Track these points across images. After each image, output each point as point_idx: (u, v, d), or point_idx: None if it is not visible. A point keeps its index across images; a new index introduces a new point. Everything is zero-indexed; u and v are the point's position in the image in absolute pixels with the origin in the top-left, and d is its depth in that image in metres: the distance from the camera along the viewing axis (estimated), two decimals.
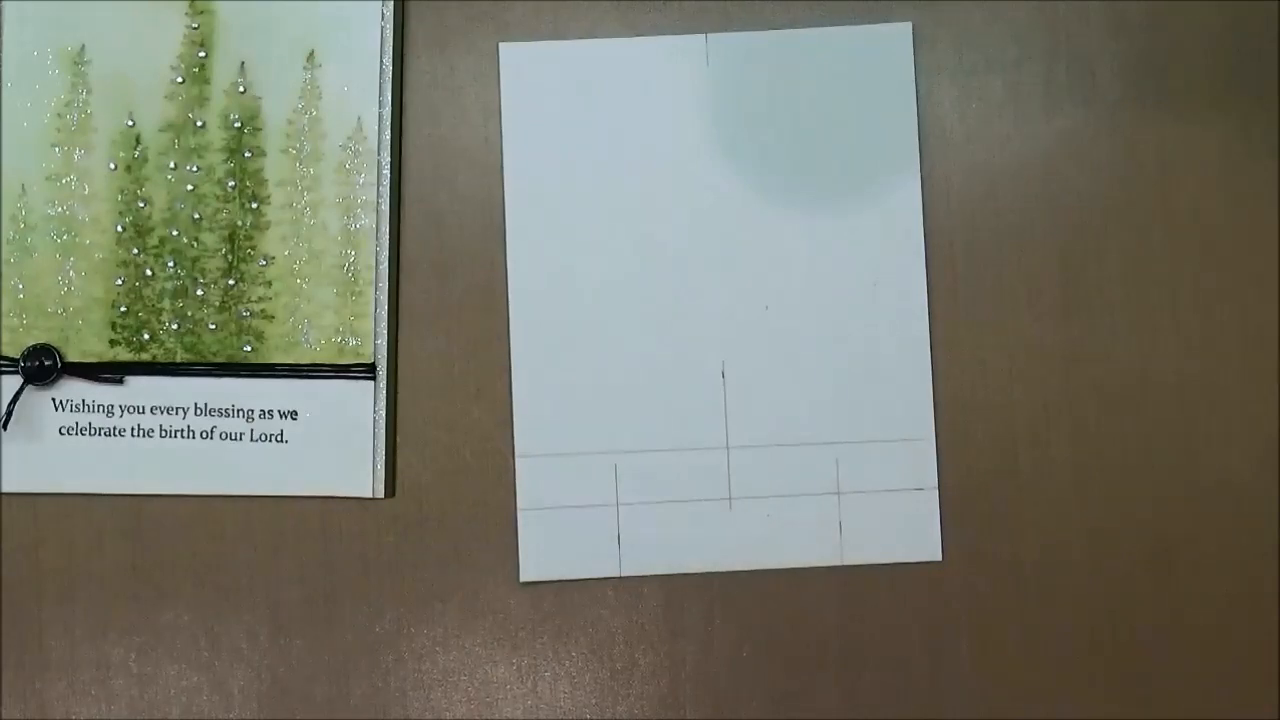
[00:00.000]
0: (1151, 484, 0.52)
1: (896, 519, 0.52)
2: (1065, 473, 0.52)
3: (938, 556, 0.52)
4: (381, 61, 0.53)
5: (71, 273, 0.53)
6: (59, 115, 0.53)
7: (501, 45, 0.53)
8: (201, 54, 0.53)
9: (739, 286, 0.53)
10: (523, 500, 0.52)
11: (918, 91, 0.53)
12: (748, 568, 0.52)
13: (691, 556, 0.52)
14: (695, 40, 0.53)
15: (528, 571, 0.52)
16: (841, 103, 0.52)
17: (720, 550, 0.52)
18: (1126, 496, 0.52)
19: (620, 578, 0.52)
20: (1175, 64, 0.52)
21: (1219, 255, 0.52)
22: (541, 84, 0.53)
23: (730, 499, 0.52)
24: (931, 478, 0.52)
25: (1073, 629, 0.52)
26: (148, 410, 0.52)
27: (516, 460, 0.52)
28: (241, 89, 0.53)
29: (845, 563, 0.52)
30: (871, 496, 0.52)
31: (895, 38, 0.52)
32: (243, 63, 0.53)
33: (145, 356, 0.53)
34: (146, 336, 0.53)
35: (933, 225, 0.53)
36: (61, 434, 0.52)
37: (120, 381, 0.53)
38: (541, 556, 0.52)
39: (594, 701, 0.52)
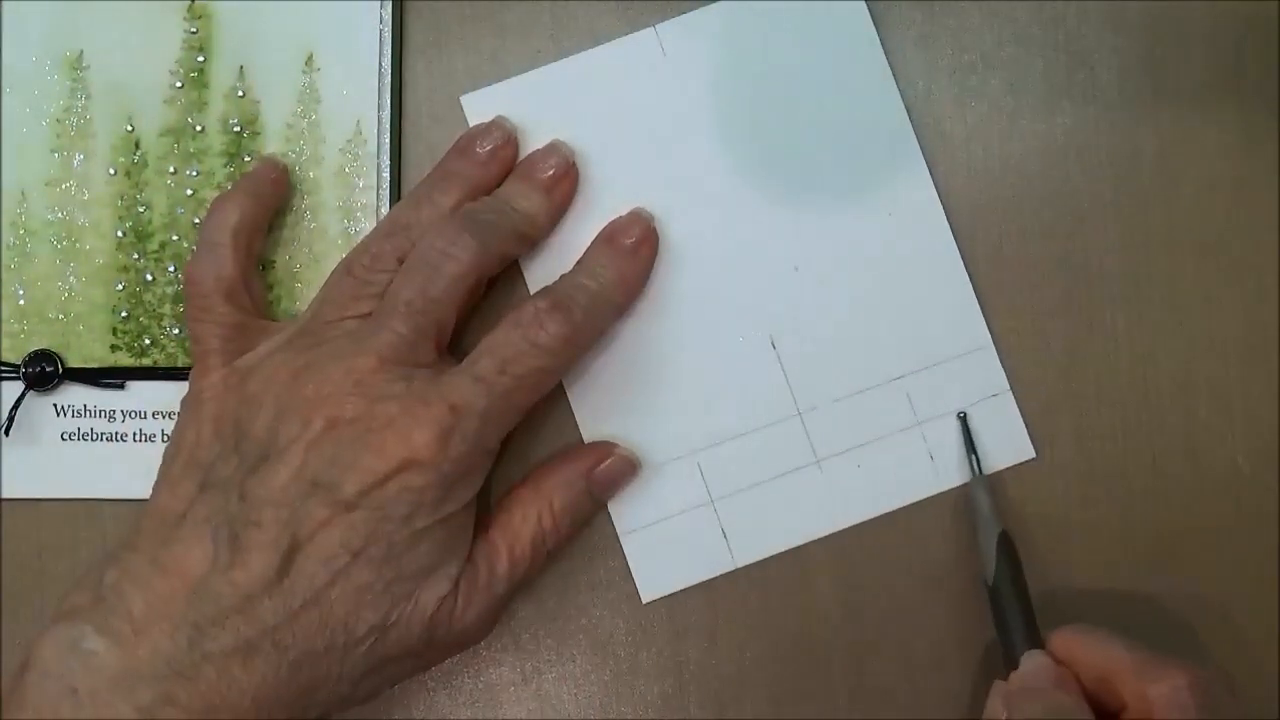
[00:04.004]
0: (1152, 483, 0.52)
1: (982, 431, 0.52)
2: (1065, 471, 0.52)
3: (1032, 454, 0.52)
4: (380, 64, 0.53)
5: (72, 278, 0.52)
6: (58, 121, 0.53)
7: (463, 97, 0.53)
8: (200, 58, 0.53)
9: (762, 259, 0.52)
10: (620, 524, 0.52)
11: (917, 90, 0.52)
12: (853, 522, 0.52)
13: (797, 527, 0.52)
14: (646, 35, 0.53)
15: (647, 592, 0.53)
16: (807, 64, 0.52)
17: (822, 513, 0.52)
18: (1126, 495, 0.52)
19: (733, 571, 0.52)
20: (1175, 63, 0.52)
21: (1219, 255, 0.52)
22: (515, 119, 0.52)
23: (818, 461, 0.52)
24: (1002, 380, 0.52)
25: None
26: (149, 415, 0.52)
27: None
28: (240, 93, 0.53)
29: (943, 489, 0.52)
30: (951, 418, 0.52)
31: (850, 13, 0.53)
32: (241, 67, 0.53)
33: (146, 361, 0.53)
34: (148, 341, 0.53)
35: None
36: (63, 439, 0.52)
37: (122, 386, 0.52)
38: (656, 573, 0.52)
39: (597, 703, 0.53)
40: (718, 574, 0.52)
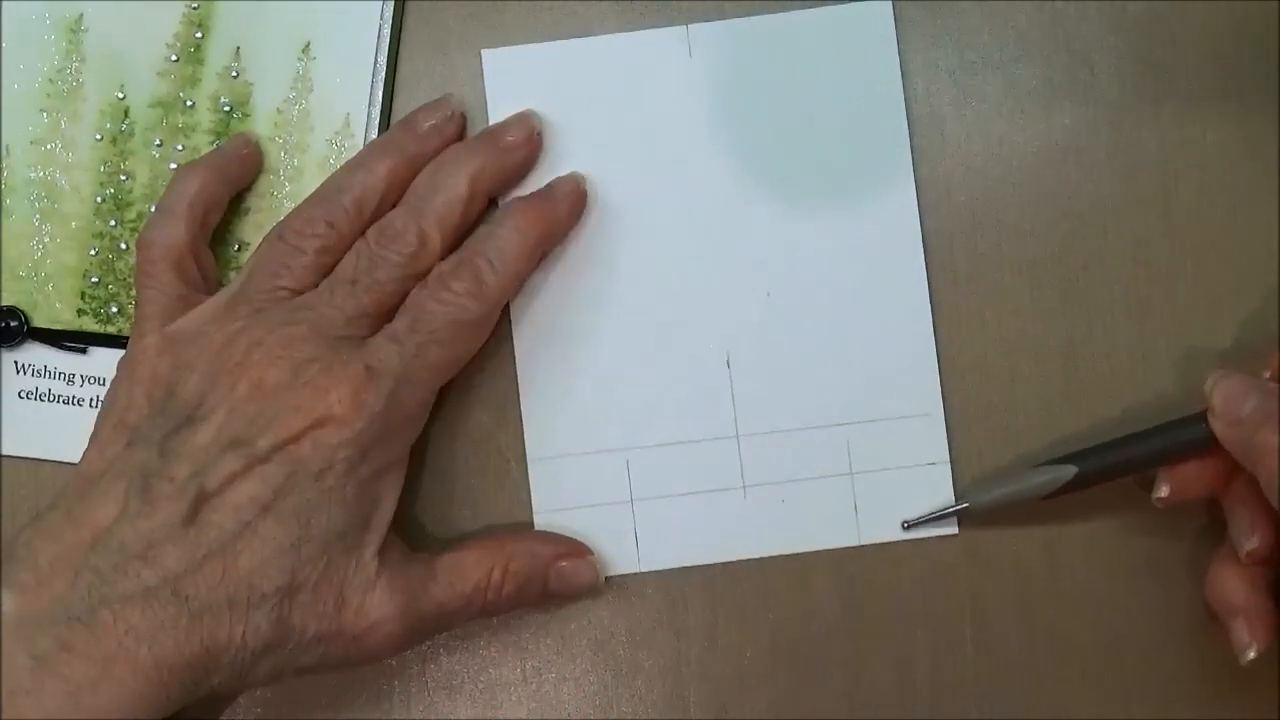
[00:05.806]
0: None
1: (911, 495, 0.51)
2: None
3: (954, 530, 0.51)
4: (376, 60, 0.52)
5: (47, 238, 0.52)
6: (50, 81, 0.52)
7: (484, 51, 0.53)
8: (198, 34, 0.52)
9: (738, 276, 0.52)
10: (537, 505, 0.51)
11: (917, 90, 0.53)
12: (766, 554, 0.51)
13: (709, 546, 0.51)
14: (677, 32, 0.53)
15: None
16: (828, 85, 0.52)
17: (738, 538, 0.51)
18: (1126, 494, 0.51)
19: (625, 575, 0.51)
20: (1175, 63, 0.53)
21: (1219, 255, 0.52)
22: (527, 86, 0.52)
23: (745, 487, 0.51)
24: (943, 451, 0.51)
25: (1073, 625, 0.51)
26: (107, 382, 0.50)
27: (529, 465, 0.51)
28: (234, 73, 0.52)
29: (863, 543, 0.51)
30: (885, 474, 0.51)
31: (876, 17, 0.53)
32: (238, 47, 0.52)
33: (111, 329, 0.52)
34: (114, 310, 0.52)
35: (932, 225, 0.52)
36: (20, 397, 0.51)
37: (84, 351, 0.52)
38: None
39: (597, 702, 0.51)
40: (622, 573, 0.51)
